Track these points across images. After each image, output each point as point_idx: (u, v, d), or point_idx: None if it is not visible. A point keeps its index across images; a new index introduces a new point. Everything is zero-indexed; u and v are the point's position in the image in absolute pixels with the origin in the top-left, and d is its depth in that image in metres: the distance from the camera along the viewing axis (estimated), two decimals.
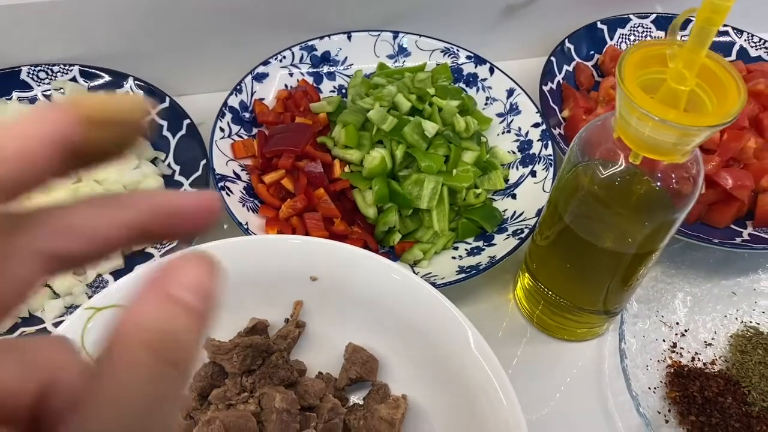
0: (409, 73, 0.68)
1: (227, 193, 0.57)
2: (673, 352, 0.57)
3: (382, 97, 0.62)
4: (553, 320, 0.57)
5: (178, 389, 0.16)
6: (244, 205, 0.58)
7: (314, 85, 0.69)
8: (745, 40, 0.75)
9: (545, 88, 0.68)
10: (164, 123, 0.64)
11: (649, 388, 0.54)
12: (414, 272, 0.57)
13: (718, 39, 0.76)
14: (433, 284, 0.54)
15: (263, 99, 0.67)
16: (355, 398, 0.51)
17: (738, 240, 0.60)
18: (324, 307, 0.52)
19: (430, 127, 0.60)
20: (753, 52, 0.75)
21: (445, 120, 0.62)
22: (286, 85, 0.68)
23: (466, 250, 0.59)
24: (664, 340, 0.58)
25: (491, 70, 0.69)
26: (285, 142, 0.60)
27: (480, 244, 0.59)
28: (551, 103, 0.68)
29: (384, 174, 0.59)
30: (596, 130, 0.45)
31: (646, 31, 0.76)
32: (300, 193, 0.58)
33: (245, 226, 0.55)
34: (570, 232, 0.49)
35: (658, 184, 0.45)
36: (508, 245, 0.57)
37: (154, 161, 0.63)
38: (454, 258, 0.58)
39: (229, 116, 0.63)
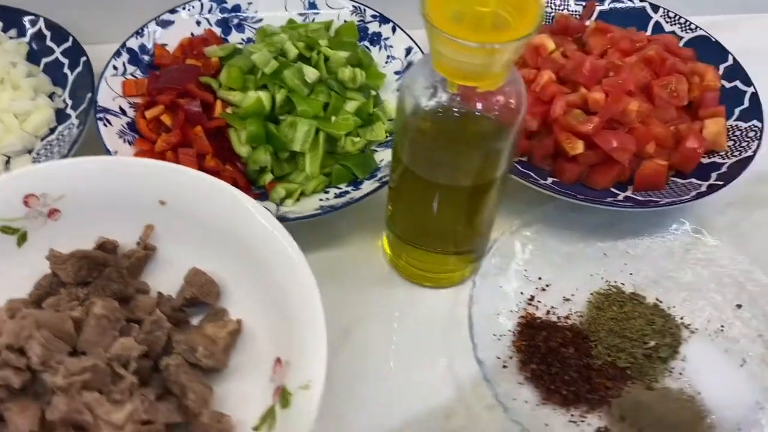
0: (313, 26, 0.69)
1: (105, 124, 0.59)
2: (530, 304, 0.57)
3: (272, 44, 0.64)
4: (412, 265, 0.58)
5: None
6: (123, 139, 0.60)
7: (222, 36, 0.71)
8: (660, 16, 0.75)
9: None
10: (65, 61, 0.66)
11: (495, 334, 0.54)
12: (277, 210, 0.58)
13: (632, 10, 0.75)
14: (284, 218, 0.55)
15: (166, 45, 0.69)
16: (197, 321, 0.53)
17: (609, 199, 0.60)
18: (175, 233, 0.53)
19: (311, 73, 0.61)
20: (667, 27, 0.75)
21: (331, 69, 0.63)
22: (192, 34, 0.70)
23: (335, 194, 0.60)
24: (522, 293, 0.58)
25: (393, 29, 0.70)
26: (169, 80, 0.62)
27: (350, 189, 0.60)
28: None
29: (260, 115, 0.60)
30: (420, 67, 0.46)
31: (564, 4, 0.77)
32: (176, 129, 0.60)
33: (112, 154, 0.57)
34: (409, 172, 0.50)
35: (479, 112, 0.45)
36: (370, 189, 0.57)
37: (51, 96, 0.65)
38: (321, 200, 0.59)
39: (126, 56, 0.65)
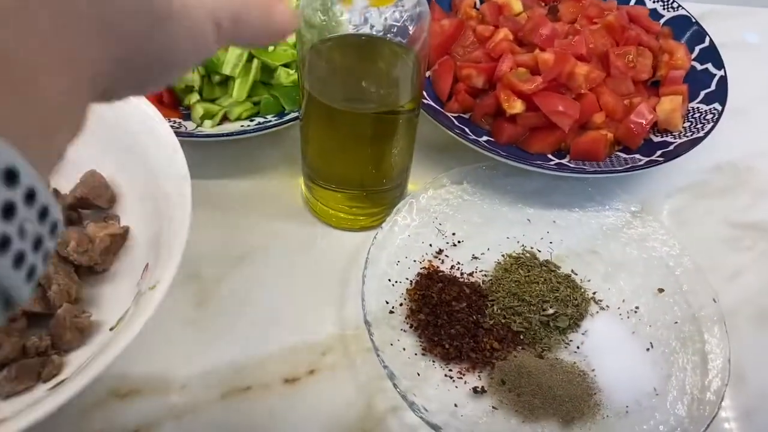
0: None
1: None
2: (436, 257, 0.55)
3: None
4: (325, 205, 0.56)
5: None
6: None
7: None
8: None
9: None
10: None
11: (390, 280, 0.52)
12: (194, 129, 0.57)
13: None
14: (192, 134, 0.54)
15: None
16: None
17: (538, 162, 0.57)
18: (87, 137, 0.53)
19: None
20: (650, 4, 0.71)
21: None
22: None
23: (258, 122, 0.59)
24: (431, 245, 0.55)
25: None
26: None
27: (274, 120, 0.59)
28: None
29: None
30: None
31: None
32: None
33: None
34: (313, 99, 0.48)
35: (376, 32, 0.43)
36: (287, 119, 0.56)
37: None
38: (242, 127, 0.58)
39: None
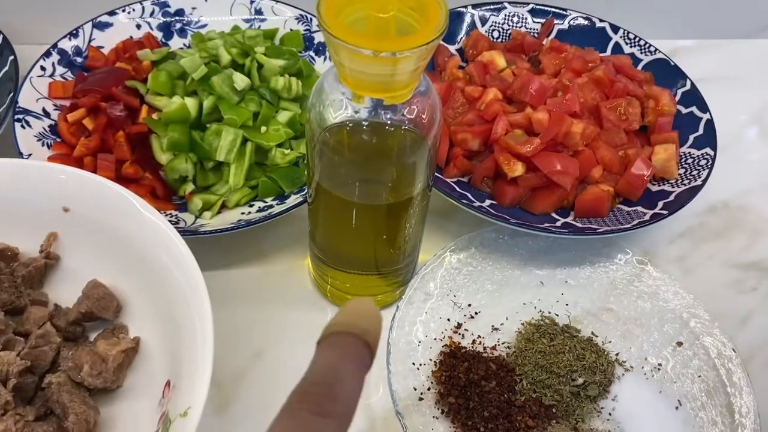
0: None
1: (22, 126, 0.57)
2: (456, 332, 0.54)
3: (206, 49, 0.61)
4: (335, 287, 0.54)
5: None
6: (42, 142, 0.57)
7: (163, 41, 0.69)
8: (620, 37, 0.72)
9: None
10: None
11: (414, 363, 0.51)
12: (194, 222, 0.55)
13: (592, 29, 0.73)
14: (195, 231, 0.52)
15: (102, 48, 0.66)
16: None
17: (545, 225, 0.57)
18: (81, 242, 0.51)
19: (240, 80, 0.58)
20: (627, 49, 0.72)
21: (265, 77, 0.61)
22: (131, 37, 0.68)
23: (259, 208, 0.57)
24: (449, 320, 0.54)
25: None
26: (95, 82, 0.59)
27: (274, 203, 0.57)
28: None
29: (185, 121, 0.57)
30: (326, 79, 0.43)
31: (522, 21, 0.74)
32: (96, 133, 0.57)
33: (25, 157, 0.54)
34: (322, 189, 0.47)
35: (388, 126, 0.42)
36: (292, 204, 0.54)
37: None
38: (243, 214, 0.56)
39: (56, 57, 0.63)
